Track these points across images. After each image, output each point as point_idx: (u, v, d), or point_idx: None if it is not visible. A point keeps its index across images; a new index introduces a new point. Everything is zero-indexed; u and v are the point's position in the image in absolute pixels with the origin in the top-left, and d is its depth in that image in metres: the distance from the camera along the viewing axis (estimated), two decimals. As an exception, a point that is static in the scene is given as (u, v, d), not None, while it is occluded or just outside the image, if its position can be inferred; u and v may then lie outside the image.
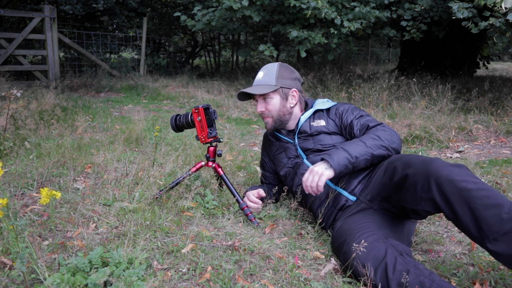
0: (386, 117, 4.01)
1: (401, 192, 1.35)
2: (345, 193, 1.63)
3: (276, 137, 2.00)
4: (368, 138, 1.58)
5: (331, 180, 1.70)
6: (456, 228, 1.79)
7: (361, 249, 1.25)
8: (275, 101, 1.84)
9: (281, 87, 1.84)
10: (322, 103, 1.90)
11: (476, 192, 1.18)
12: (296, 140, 1.88)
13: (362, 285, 1.25)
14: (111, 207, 1.83)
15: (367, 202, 1.52)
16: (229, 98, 5.63)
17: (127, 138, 3.14)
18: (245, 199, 1.85)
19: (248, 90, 1.85)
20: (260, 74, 1.88)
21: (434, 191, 1.24)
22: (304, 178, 1.52)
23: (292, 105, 1.87)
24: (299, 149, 1.87)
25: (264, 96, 1.85)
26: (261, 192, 1.86)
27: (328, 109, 1.88)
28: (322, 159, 1.54)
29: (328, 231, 1.66)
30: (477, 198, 1.17)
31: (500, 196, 1.18)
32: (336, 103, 1.91)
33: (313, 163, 1.78)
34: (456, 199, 1.20)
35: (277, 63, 1.91)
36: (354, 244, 1.29)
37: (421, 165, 1.30)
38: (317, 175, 1.48)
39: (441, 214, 1.90)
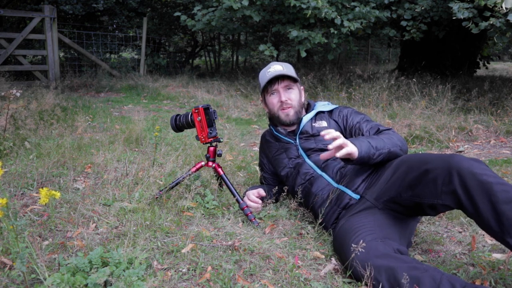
0: (386, 117, 4.01)
1: (416, 189, 1.35)
2: (349, 192, 1.63)
3: (275, 138, 2.00)
4: (384, 137, 1.61)
5: (333, 178, 1.71)
6: (456, 228, 1.79)
7: (360, 249, 1.25)
8: (296, 92, 1.91)
9: (298, 81, 1.92)
10: (323, 106, 1.96)
11: (496, 186, 1.19)
12: (297, 141, 1.89)
13: (363, 285, 1.25)
14: (111, 207, 1.83)
15: (372, 200, 1.51)
16: (229, 98, 5.63)
17: (127, 138, 3.14)
18: (245, 198, 1.85)
19: (285, 72, 1.85)
20: (278, 67, 1.89)
21: (456, 183, 1.24)
22: (336, 134, 1.47)
23: (303, 100, 1.95)
24: (300, 149, 1.87)
25: (288, 86, 1.88)
26: (261, 192, 1.86)
27: (330, 111, 1.92)
28: None
29: (330, 230, 1.66)
30: (498, 191, 1.18)
31: None
32: (337, 106, 1.96)
33: (315, 162, 1.79)
34: (478, 192, 1.20)
35: (284, 62, 1.97)
36: (352, 245, 1.29)
37: (441, 159, 1.31)
38: (345, 141, 1.46)
39: (441, 215, 1.91)
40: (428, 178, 1.31)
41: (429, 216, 1.91)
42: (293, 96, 1.88)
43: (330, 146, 1.46)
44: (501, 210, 1.16)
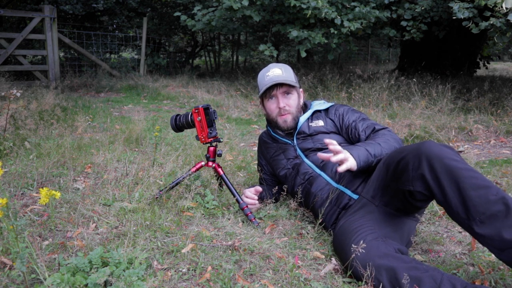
0: (386, 117, 4.01)
1: (396, 178, 1.36)
2: (349, 192, 1.63)
3: (273, 139, 2.00)
4: (380, 140, 1.61)
5: (332, 178, 1.71)
6: (456, 228, 1.79)
7: (360, 250, 1.25)
8: (295, 97, 1.88)
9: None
10: (319, 104, 1.95)
11: (465, 172, 1.19)
12: (295, 141, 1.88)
13: (364, 285, 1.25)
14: (111, 207, 1.83)
15: (369, 197, 1.52)
16: (229, 98, 5.63)
17: (127, 138, 3.14)
18: (242, 196, 1.85)
19: (284, 78, 1.82)
20: (277, 71, 1.85)
21: (425, 168, 1.25)
22: (338, 147, 1.47)
23: (301, 103, 1.92)
24: (298, 149, 1.87)
25: (287, 92, 1.86)
26: (258, 188, 1.85)
27: (326, 110, 1.92)
28: None
29: (330, 230, 1.66)
30: (466, 177, 1.18)
31: (487, 179, 1.20)
32: (333, 103, 1.95)
33: (314, 162, 1.79)
34: (445, 176, 1.21)
35: (283, 64, 1.94)
36: (353, 246, 1.29)
37: (413, 147, 1.33)
38: (346, 155, 1.45)
39: (441, 215, 1.91)
40: (402, 165, 1.32)
41: (428, 216, 1.91)
42: (292, 102, 1.86)
43: (333, 159, 1.45)
44: (468, 196, 1.16)
